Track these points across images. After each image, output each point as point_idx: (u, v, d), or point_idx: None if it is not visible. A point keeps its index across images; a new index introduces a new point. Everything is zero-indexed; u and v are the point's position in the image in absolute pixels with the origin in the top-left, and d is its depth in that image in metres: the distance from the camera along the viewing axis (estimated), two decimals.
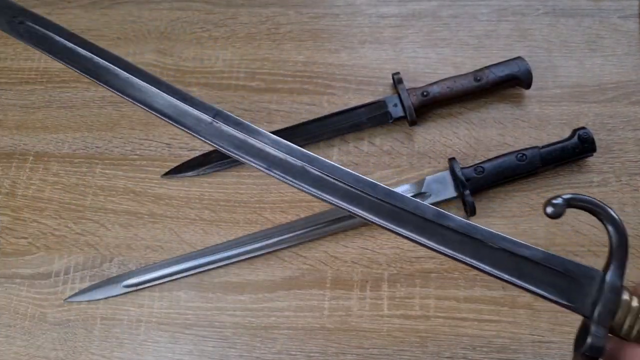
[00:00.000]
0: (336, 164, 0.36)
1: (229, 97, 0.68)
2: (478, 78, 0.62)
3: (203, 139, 0.38)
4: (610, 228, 0.34)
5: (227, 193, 0.63)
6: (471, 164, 0.58)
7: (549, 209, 0.33)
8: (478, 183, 0.57)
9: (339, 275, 0.58)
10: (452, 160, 0.59)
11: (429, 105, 0.63)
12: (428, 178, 0.59)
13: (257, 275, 0.58)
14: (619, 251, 0.33)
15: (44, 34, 0.42)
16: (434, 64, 0.67)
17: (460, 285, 0.56)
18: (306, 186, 0.36)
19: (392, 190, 0.35)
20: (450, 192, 0.58)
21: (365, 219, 0.35)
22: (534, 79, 0.62)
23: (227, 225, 0.61)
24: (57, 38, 0.42)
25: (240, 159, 0.37)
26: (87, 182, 0.65)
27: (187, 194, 0.63)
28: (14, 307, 0.59)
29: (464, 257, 0.33)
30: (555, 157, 0.57)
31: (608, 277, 0.32)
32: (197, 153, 0.64)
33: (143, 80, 0.39)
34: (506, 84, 0.62)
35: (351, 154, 0.63)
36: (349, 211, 0.35)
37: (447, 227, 0.33)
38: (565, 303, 0.32)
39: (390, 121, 0.63)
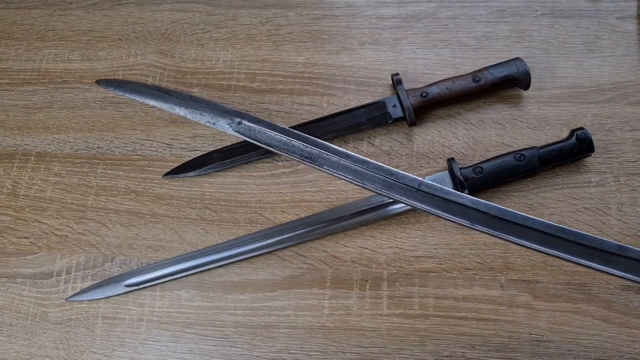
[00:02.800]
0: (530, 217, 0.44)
1: (229, 98, 0.68)
2: (477, 79, 0.62)
3: (412, 206, 0.46)
4: None
5: (228, 193, 0.63)
6: (470, 164, 0.59)
7: None
8: (477, 183, 0.57)
9: (338, 274, 0.58)
10: (451, 160, 0.59)
11: (428, 106, 0.63)
12: (427, 178, 0.59)
13: (258, 274, 0.59)
14: None
15: (260, 130, 0.51)
16: (433, 65, 0.68)
17: (459, 284, 0.56)
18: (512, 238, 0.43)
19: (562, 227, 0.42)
20: None
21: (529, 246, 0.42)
22: (533, 80, 0.63)
23: (227, 225, 0.61)
24: (272, 133, 0.51)
25: (445, 218, 0.45)
26: (89, 182, 0.65)
27: (188, 194, 0.63)
28: (15, 307, 0.60)
29: (558, 253, 0.41)
30: (554, 157, 0.58)
31: None
32: (198, 153, 0.65)
33: (351, 162, 0.48)
34: (505, 84, 0.63)
35: None
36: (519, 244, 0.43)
37: (627, 256, 0.41)
38: None
39: (390, 122, 0.63)
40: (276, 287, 0.58)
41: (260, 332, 0.56)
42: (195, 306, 0.58)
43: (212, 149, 0.65)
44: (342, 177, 0.47)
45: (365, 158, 0.48)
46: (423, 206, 0.45)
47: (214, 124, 0.53)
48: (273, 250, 0.59)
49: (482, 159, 0.59)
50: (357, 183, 0.47)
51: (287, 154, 0.49)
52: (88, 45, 0.74)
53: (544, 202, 0.59)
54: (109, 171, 0.65)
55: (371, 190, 0.47)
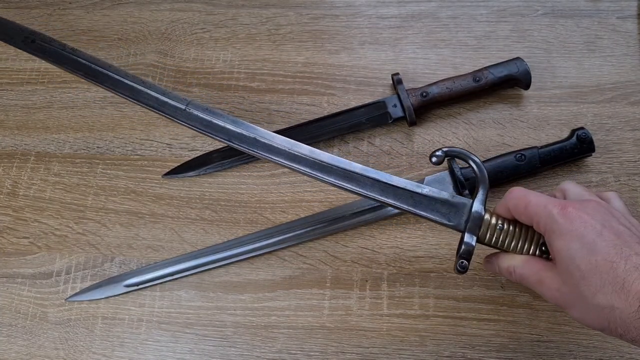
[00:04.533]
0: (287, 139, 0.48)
1: (229, 98, 0.68)
2: (477, 79, 0.62)
3: (180, 123, 0.50)
4: (475, 168, 0.46)
5: (228, 193, 0.63)
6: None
7: (433, 159, 0.47)
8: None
9: (338, 274, 0.58)
10: (451, 160, 0.59)
11: (428, 106, 0.63)
12: (427, 178, 0.59)
13: (258, 274, 0.59)
14: (482, 184, 0.45)
15: (51, 49, 0.54)
16: (433, 65, 0.68)
17: (460, 284, 0.56)
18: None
19: (333, 157, 0.47)
20: (450, 192, 0.58)
21: (303, 172, 0.47)
22: (533, 80, 0.63)
23: (227, 225, 0.61)
24: (62, 51, 0.54)
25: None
26: (89, 182, 0.65)
27: (188, 193, 0.63)
28: (15, 307, 0.60)
29: (374, 195, 0.46)
30: (554, 157, 0.58)
31: (475, 203, 0.44)
32: (197, 153, 0.65)
33: (129, 80, 0.52)
34: (505, 84, 0.63)
35: (351, 154, 0.63)
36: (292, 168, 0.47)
37: (367, 176, 0.46)
38: (447, 223, 0.45)
39: (390, 121, 0.63)
40: (276, 287, 0.58)
41: (260, 333, 0.56)
42: (195, 306, 0.58)
43: (212, 149, 0.65)
44: (120, 94, 0.52)
45: (144, 79, 0.52)
46: (189, 123, 0.50)
47: (7, 40, 0.56)
48: (273, 250, 0.59)
49: (483, 159, 0.59)
50: (132, 99, 0.51)
51: (72, 70, 0.53)
52: (88, 45, 0.74)
53: None
54: (108, 171, 0.65)
55: (145, 107, 0.51)
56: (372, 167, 0.47)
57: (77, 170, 0.66)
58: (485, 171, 0.46)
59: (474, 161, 0.46)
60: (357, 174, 0.46)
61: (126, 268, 0.60)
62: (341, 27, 0.71)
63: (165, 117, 0.50)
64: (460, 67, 0.67)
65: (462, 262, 0.43)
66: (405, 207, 0.45)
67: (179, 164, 0.64)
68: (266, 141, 0.48)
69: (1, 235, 0.63)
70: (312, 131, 0.63)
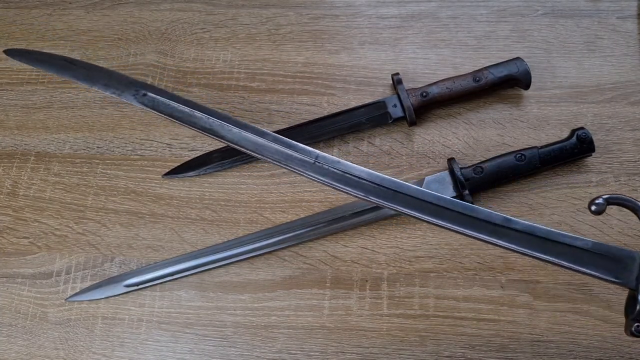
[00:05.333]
0: (425, 191, 0.45)
1: (229, 98, 0.68)
2: (477, 79, 0.62)
3: (309, 177, 0.47)
4: None
5: (228, 193, 0.63)
6: (470, 164, 0.59)
7: (593, 207, 0.42)
8: (477, 183, 0.57)
9: (338, 274, 0.58)
10: (451, 160, 0.59)
11: (428, 106, 0.63)
12: (427, 178, 0.59)
13: (258, 274, 0.59)
14: None
15: (164, 102, 0.52)
16: (433, 65, 0.67)
17: (460, 284, 0.56)
18: (400, 207, 0.45)
19: (467, 204, 0.44)
20: (450, 192, 0.58)
21: (451, 229, 0.43)
22: (533, 80, 0.63)
23: (227, 225, 0.61)
24: (175, 104, 0.51)
25: (342, 190, 0.46)
26: (89, 182, 0.65)
27: (188, 194, 0.63)
28: (15, 307, 0.60)
29: (533, 252, 0.41)
30: (554, 157, 0.58)
31: None
32: (197, 153, 0.65)
33: (252, 133, 0.49)
34: (505, 84, 0.63)
35: (351, 154, 0.63)
36: (438, 225, 0.44)
37: (514, 230, 0.42)
38: (614, 280, 0.40)
39: (390, 121, 0.63)
40: (276, 287, 0.58)
41: (260, 333, 0.56)
42: (195, 306, 0.58)
43: (212, 149, 0.65)
44: (243, 149, 0.48)
45: (265, 130, 0.48)
46: (319, 178, 0.46)
47: (119, 95, 0.53)
48: (273, 250, 0.59)
49: (483, 159, 0.59)
50: (256, 154, 0.48)
51: (190, 125, 0.50)
52: (87, 45, 0.74)
53: (545, 202, 0.59)
54: (108, 171, 0.65)
55: (270, 161, 0.48)
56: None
57: (77, 170, 0.66)
58: None
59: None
60: (512, 229, 0.42)
61: (126, 268, 0.60)
62: (341, 27, 0.71)
63: (292, 171, 0.47)
64: (460, 67, 0.67)
65: (638, 327, 0.40)
66: (566, 263, 0.41)
67: (179, 164, 0.64)
68: (409, 195, 0.44)
69: (1, 235, 0.63)
70: (312, 131, 0.63)
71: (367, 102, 0.64)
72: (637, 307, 0.39)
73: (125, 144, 0.67)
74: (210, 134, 0.49)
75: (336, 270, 0.58)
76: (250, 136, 0.49)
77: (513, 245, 0.42)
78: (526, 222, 0.42)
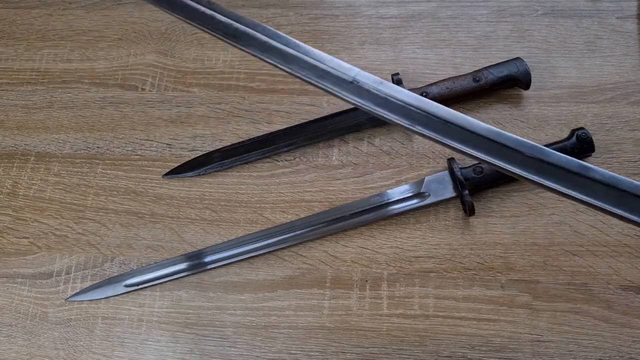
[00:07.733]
0: (481, 123, 0.36)
1: (229, 98, 0.68)
2: (477, 79, 0.62)
3: (344, 98, 0.39)
4: None
5: (228, 193, 0.63)
6: (470, 164, 0.59)
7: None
8: (477, 183, 0.57)
9: (338, 274, 0.58)
10: (451, 160, 0.59)
11: None
12: (427, 178, 0.59)
13: (258, 274, 0.59)
14: None
15: (182, 2, 0.42)
16: (433, 65, 0.67)
17: (459, 284, 0.56)
18: (451, 141, 0.36)
19: (535, 145, 0.35)
20: (450, 192, 0.58)
21: (515, 173, 0.35)
22: (533, 80, 0.63)
23: (227, 225, 0.61)
24: (196, 5, 0.42)
25: (384, 116, 0.38)
26: (89, 182, 0.65)
27: (188, 194, 0.63)
28: (15, 307, 0.60)
29: (611, 208, 0.34)
30: None
31: None
32: (197, 153, 0.65)
33: (281, 43, 0.40)
34: (505, 84, 0.63)
35: (351, 154, 0.63)
36: (498, 166, 0.35)
37: (593, 179, 0.34)
38: None
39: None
40: (276, 287, 0.58)
41: (260, 333, 0.56)
42: (195, 306, 0.58)
43: (212, 149, 0.65)
44: (269, 60, 0.41)
45: (297, 42, 0.41)
46: (357, 100, 0.38)
47: None
48: (273, 250, 0.59)
49: None
50: (284, 68, 0.40)
51: (211, 30, 0.42)
52: (88, 45, 0.74)
53: (545, 202, 0.59)
54: (108, 171, 0.65)
55: (299, 77, 0.41)
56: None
57: (77, 170, 0.66)
58: None
59: None
60: (581, 175, 0.35)
61: (126, 268, 0.60)
62: (341, 27, 0.71)
63: (325, 90, 0.39)
64: (460, 67, 0.67)
65: None
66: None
67: (179, 164, 0.64)
68: (462, 127, 0.36)
69: (1, 235, 0.63)
70: (312, 131, 0.63)
71: None
72: None
73: (125, 144, 0.67)
74: (233, 41, 0.41)
75: (336, 270, 0.58)
76: (279, 46, 0.41)
77: (592, 200, 0.34)
78: (606, 171, 0.34)
